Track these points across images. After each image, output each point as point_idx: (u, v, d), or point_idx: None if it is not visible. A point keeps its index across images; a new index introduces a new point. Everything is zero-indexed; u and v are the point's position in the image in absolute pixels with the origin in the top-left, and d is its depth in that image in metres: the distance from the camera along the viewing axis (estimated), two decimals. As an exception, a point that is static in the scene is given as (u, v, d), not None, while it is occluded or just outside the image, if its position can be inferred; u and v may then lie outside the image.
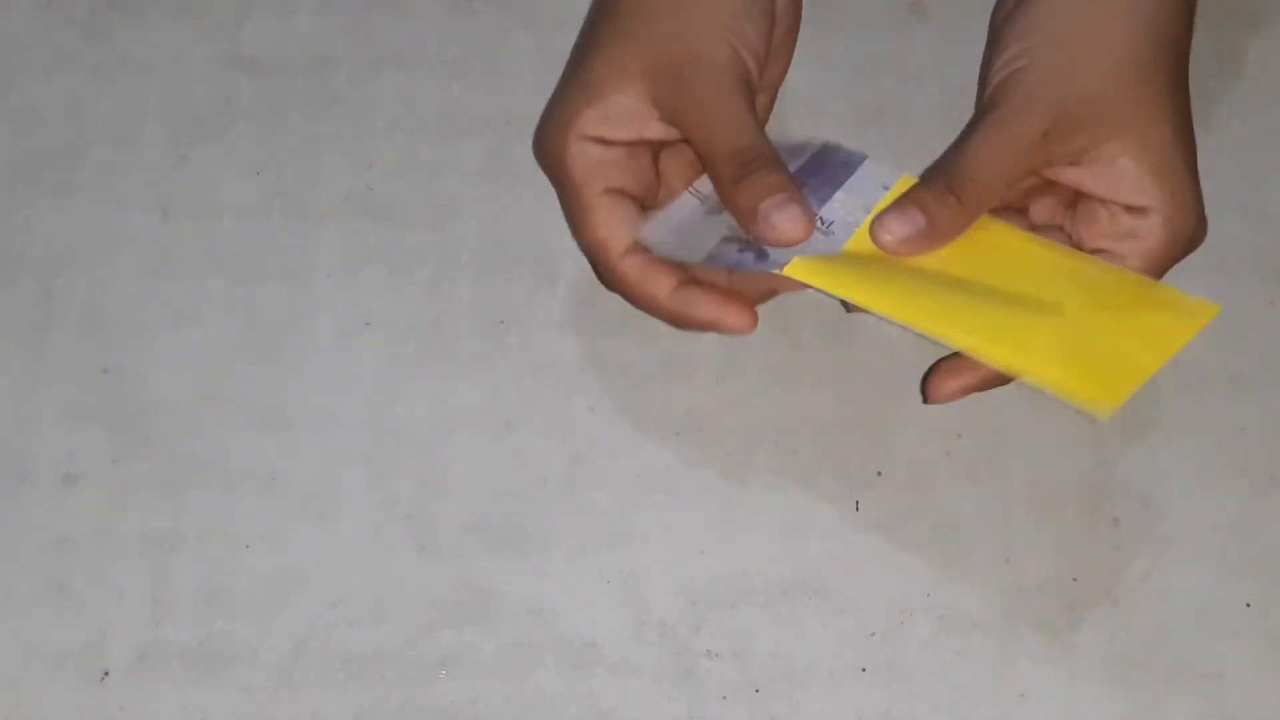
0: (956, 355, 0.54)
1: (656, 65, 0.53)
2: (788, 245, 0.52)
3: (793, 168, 0.54)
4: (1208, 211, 0.58)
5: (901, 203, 0.52)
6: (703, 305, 0.53)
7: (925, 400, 0.55)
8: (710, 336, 0.58)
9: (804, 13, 0.64)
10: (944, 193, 0.52)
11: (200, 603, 0.55)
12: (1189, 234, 0.54)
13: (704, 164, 0.53)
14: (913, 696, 0.54)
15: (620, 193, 0.54)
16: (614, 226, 0.54)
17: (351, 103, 0.62)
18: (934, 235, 0.52)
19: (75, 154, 0.61)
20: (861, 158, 0.55)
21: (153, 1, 0.64)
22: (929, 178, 0.53)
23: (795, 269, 0.51)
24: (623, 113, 0.54)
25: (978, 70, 0.60)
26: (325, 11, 0.64)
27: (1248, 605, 0.56)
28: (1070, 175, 0.54)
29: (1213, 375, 0.59)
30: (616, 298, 0.56)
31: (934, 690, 0.54)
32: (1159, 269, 0.54)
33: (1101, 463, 0.57)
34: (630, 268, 0.54)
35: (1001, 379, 0.54)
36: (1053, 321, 0.51)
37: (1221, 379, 0.58)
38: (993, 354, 0.51)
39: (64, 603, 0.55)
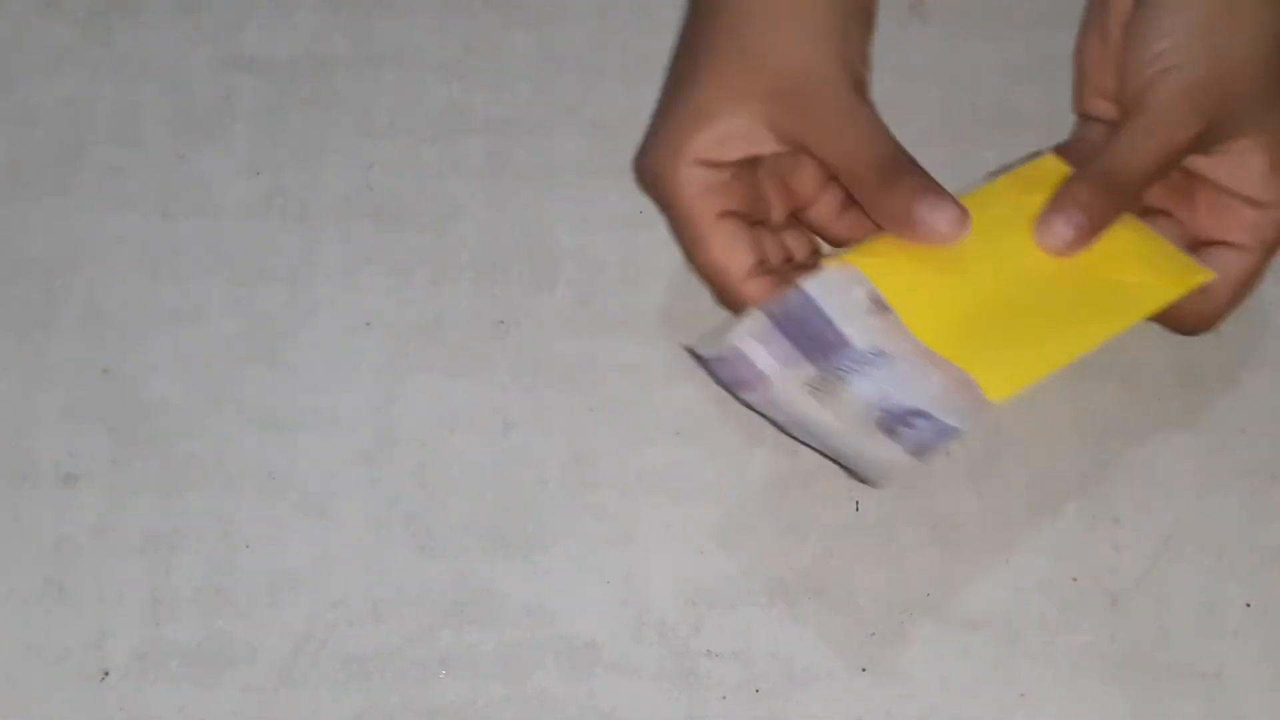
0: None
1: (776, 87, 0.53)
2: (945, 242, 0.52)
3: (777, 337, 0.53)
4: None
5: (1062, 203, 0.53)
6: None
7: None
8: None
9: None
10: (1103, 192, 0.53)
11: (200, 602, 0.55)
12: None
13: (842, 178, 0.54)
14: (912, 696, 0.54)
15: (734, 215, 0.54)
16: (733, 251, 0.54)
17: (351, 103, 0.62)
18: (1093, 234, 0.53)
19: (75, 154, 0.61)
20: (804, 295, 0.52)
21: (153, 1, 0.64)
22: (1085, 176, 0.53)
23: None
24: (736, 135, 0.53)
25: (978, 70, 0.60)
26: (325, 11, 0.64)
27: (1248, 605, 0.56)
28: (1200, 165, 0.55)
29: (1212, 375, 0.59)
30: (616, 298, 0.56)
31: (934, 690, 0.54)
32: (1271, 259, 0.55)
33: (1101, 463, 0.57)
34: (755, 290, 0.54)
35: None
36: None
37: (1221, 379, 0.58)
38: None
39: (64, 602, 0.55)
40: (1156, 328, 0.58)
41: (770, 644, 0.55)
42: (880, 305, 0.52)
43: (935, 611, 0.55)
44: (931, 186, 0.52)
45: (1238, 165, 0.54)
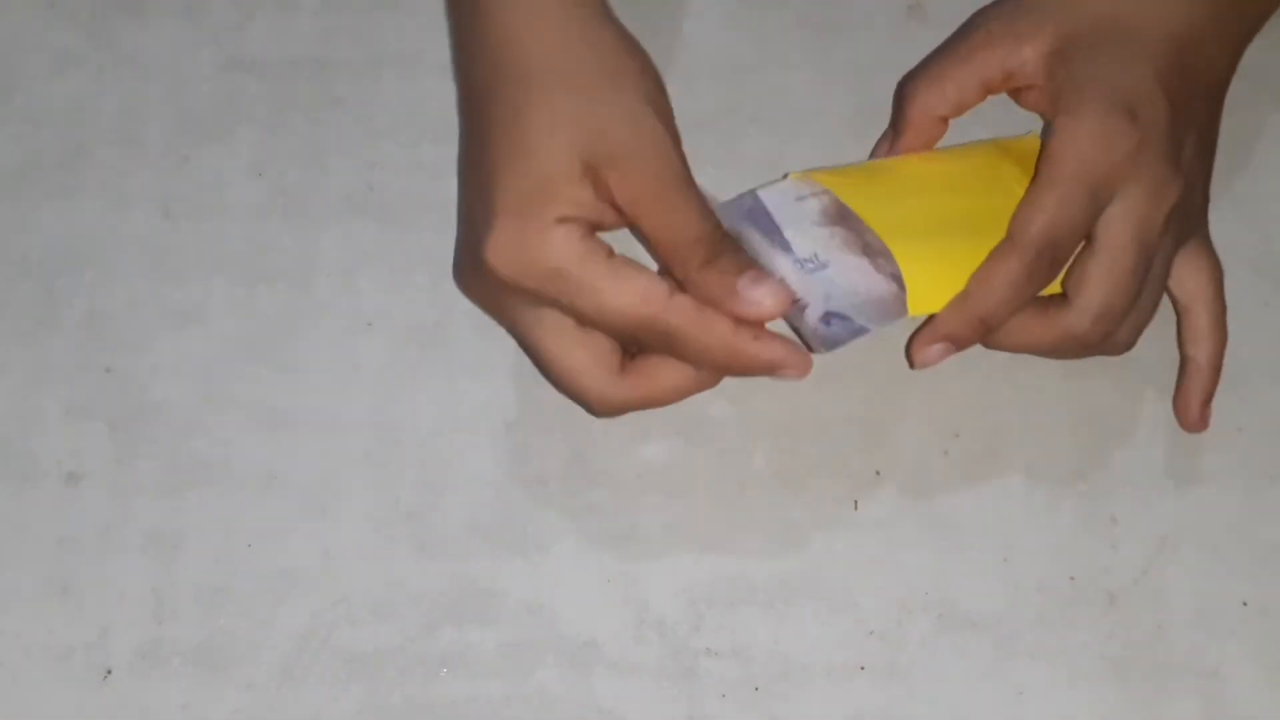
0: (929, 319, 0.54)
1: (596, 156, 0.51)
2: (768, 318, 0.52)
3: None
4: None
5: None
6: (766, 344, 0.52)
7: (912, 366, 0.54)
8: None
9: (804, 13, 0.64)
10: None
11: (202, 601, 0.55)
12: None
13: (660, 252, 0.52)
14: (911, 695, 0.54)
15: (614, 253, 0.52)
16: (642, 276, 0.51)
17: (353, 104, 0.62)
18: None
19: (78, 155, 0.61)
20: (753, 195, 0.55)
21: (155, 3, 0.64)
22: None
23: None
24: (584, 203, 0.51)
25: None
26: (327, 13, 0.64)
27: (1245, 604, 0.56)
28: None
29: (1210, 375, 0.59)
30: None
31: (932, 688, 0.54)
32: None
33: (1099, 462, 0.57)
34: (686, 305, 0.51)
35: (976, 333, 0.54)
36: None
37: (1219, 378, 0.59)
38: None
39: (66, 601, 0.55)
40: (1153, 328, 0.58)
41: (769, 642, 0.55)
42: (836, 216, 0.54)
43: (934, 610, 0.55)
44: (751, 264, 0.52)
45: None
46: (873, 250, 0.54)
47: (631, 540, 0.56)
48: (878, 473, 0.57)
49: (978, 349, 0.58)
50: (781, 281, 0.52)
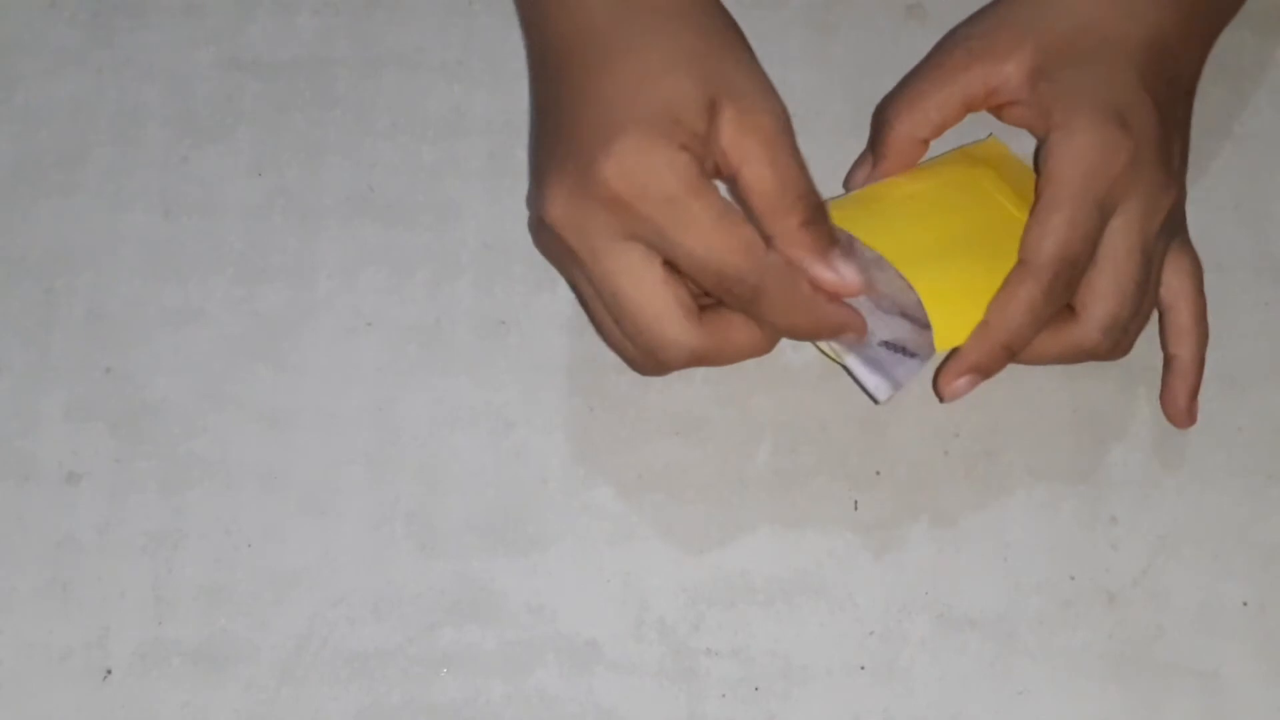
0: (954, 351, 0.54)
1: (719, 92, 0.51)
2: (846, 294, 0.53)
3: None
4: (1207, 213, 0.60)
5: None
6: (839, 307, 0.53)
7: (941, 400, 0.55)
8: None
9: (804, 13, 0.64)
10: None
11: (202, 601, 0.55)
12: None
13: (760, 201, 0.51)
14: (911, 694, 0.54)
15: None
16: (750, 228, 0.51)
17: (353, 104, 0.62)
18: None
19: (78, 154, 0.61)
20: None
21: (155, 3, 0.64)
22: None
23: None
24: (701, 139, 0.51)
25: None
26: (327, 13, 0.64)
27: (1245, 604, 0.56)
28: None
29: (1211, 375, 0.58)
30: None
31: (932, 688, 0.54)
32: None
33: (1099, 461, 0.58)
34: (779, 265, 0.51)
35: (997, 362, 0.54)
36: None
37: (1219, 379, 0.59)
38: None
39: (66, 601, 0.55)
40: (1152, 329, 0.58)
41: (769, 642, 0.55)
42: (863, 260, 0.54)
43: (933, 610, 0.55)
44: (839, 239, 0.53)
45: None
46: (894, 291, 0.54)
47: (631, 540, 0.56)
48: (877, 472, 0.57)
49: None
50: (859, 267, 0.53)
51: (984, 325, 0.54)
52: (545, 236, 0.53)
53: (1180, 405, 0.57)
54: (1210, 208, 0.61)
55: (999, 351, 0.54)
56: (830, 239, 0.52)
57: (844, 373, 0.58)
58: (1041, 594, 0.56)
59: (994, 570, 0.56)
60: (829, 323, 0.53)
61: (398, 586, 0.55)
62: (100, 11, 0.64)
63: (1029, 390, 0.58)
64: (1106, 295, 0.54)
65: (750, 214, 0.52)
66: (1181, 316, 0.57)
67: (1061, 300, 0.54)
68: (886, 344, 0.54)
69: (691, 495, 0.57)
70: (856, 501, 0.57)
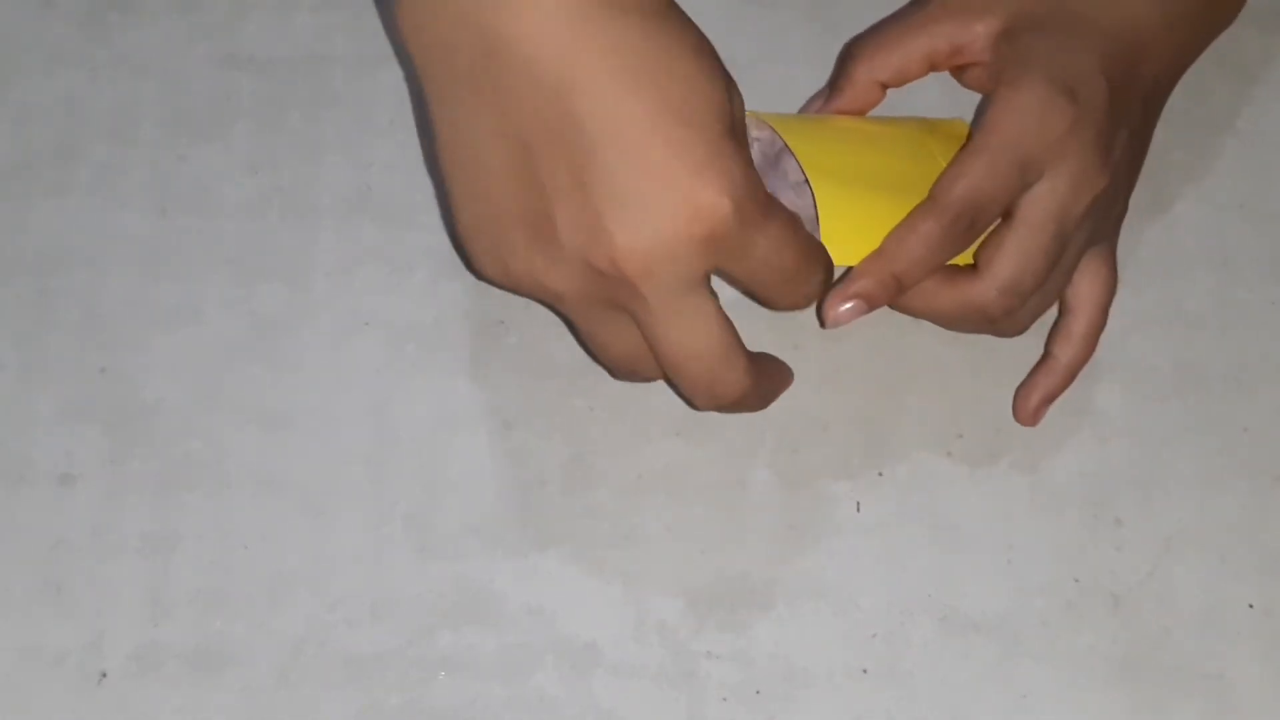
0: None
1: (714, 51, 0.49)
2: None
3: None
4: (1212, 211, 0.60)
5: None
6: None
7: (822, 325, 0.54)
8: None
9: (804, 12, 0.64)
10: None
11: (198, 603, 0.55)
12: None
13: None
14: (913, 698, 0.54)
15: None
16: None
17: (350, 101, 0.62)
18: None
19: (73, 152, 0.61)
20: None
21: (151, 0, 0.64)
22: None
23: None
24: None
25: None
26: (324, 10, 0.64)
27: (1250, 606, 0.55)
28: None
29: (1216, 375, 0.58)
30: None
31: (935, 691, 0.54)
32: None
33: (1104, 463, 0.57)
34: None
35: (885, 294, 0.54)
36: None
37: (1224, 379, 0.58)
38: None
39: (61, 603, 0.55)
40: (1158, 329, 0.58)
41: (770, 645, 0.55)
42: (772, 160, 0.55)
43: (936, 612, 0.55)
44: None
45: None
46: (804, 199, 0.55)
47: (632, 542, 0.56)
48: (880, 474, 0.57)
49: (977, 347, 0.58)
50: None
51: (878, 252, 0.53)
52: (535, 291, 0.50)
53: (1031, 403, 0.57)
54: (1216, 206, 0.61)
55: (888, 280, 0.53)
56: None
57: (845, 372, 0.58)
58: (1045, 596, 0.55)
59: (997, 572, 0.56)
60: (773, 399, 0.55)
61: (396, 588, 0.55)
62: (95, 9, 0.64)
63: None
64: (1012, 256, 0.54)
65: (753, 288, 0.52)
66: (1077, 323, 0.57)
67: (960, 244, 0.54)
68: None
69: (692, 496, 0.56)
70: (859, 503, 0.57)
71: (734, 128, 0.48)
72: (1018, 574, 0.56)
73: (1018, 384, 0.58)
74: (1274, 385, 0.58)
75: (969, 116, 0.59)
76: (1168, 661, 0.55)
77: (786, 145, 0.54)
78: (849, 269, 0.53)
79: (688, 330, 0.49)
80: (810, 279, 0.51)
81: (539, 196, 0.47)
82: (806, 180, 0.54)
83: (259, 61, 0.63)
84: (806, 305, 0.53)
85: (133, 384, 0.58)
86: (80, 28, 0.63)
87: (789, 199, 0.55)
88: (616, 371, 0.53)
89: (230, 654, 0.54)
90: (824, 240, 0.52)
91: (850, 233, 0.53)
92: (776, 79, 0.63)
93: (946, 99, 0.59)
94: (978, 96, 0.59)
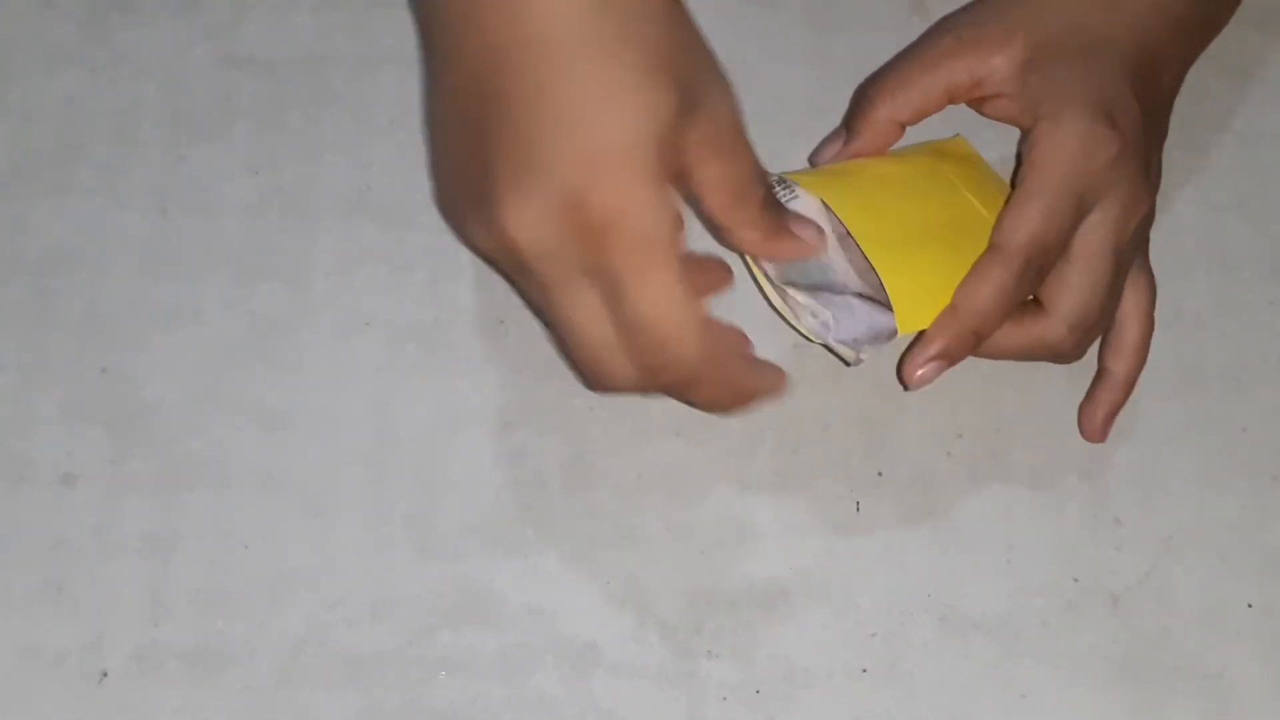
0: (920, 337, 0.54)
1: (693, 95, 0.47)
2: (813, 252, 0.53)
3: None
4: (1211, 211, 0.60)
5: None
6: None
7: (905, 388, 0.54)
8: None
9: (804, 12, 0.64)
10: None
11: (199, 603, 0.55)
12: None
13: (726, 196, 0.49)
14: (913, 697, 0.54)
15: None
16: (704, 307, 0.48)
17: (351, 102, 0.62)
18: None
19: (73, 153, 0.61)
20: None
21: (151, 0, 0.64)
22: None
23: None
24: (676, 128, 0.47)
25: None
26: (324, 10, 0.64)
27: (1249, 606, 0.55)
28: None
29: (1215, 375, 0.58)
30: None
31: (935, 691, 0.54)
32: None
33: (1103, 463, 0.57)
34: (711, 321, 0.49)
35: (964, 348, 0.54)
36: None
37: (1223, 379, 0.58)
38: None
39: (62, 603, 0.55)
40: (1158, 329, 0.58)
41: (770, 645, 0.55)
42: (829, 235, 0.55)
43: (936, 612, 0.55)
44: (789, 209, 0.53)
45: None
46: (851, 249, 0.55)
47: (631, 541, 0.56)
48: (880, 474, 0.57)
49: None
50: (812, 220, 0.53)
51: (951, 309, 0.53)
52: (498, 251, 0.48)
53: (1097, 420, 0.57)
54: (1215, 206, 0.61)
55: (966, 336, 0.53)
56: (785, 213, 0.52)
57: (845, 373, 0.58)
58: (1045, 596, 0.55)
59: (997, 572, 0.56)
60: (749, 397, 0.52)
61: (396, 588, 0.55)
62: (96, 9, 0.63)
63: (1032, 391, 0.58)
64: (1077, 291, 0.54)
65: (705, 208, 0.50)
66: (1129, 334, 0.57)
67: (1030, 289, 0.54)
68: (858, 297, 0.54)
69: (691, 496, 0.56)
70: (858, 503, 0.57)
71: (659, 151, 0.46)
72: (1017, 574, 0.56)
73: (1018, 384, 0.58)
74: (1273, 385, 0.58)
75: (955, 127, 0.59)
76: (1167, 661, 0.55)
77: (826, 205, 0.54)
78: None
79: (656, 292, 0.47)
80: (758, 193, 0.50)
81: (489, 150, 0.47)
82: (849, 234, 0.54)
83: (259, 62, 0.63)
84: (756, 228, 0.51)
85: (133, 384, 0.58)
86: (81, 28, 0.63)
87: (835, 254, 0.54)
88: (586, 367, 0.50)
89: (230, 654, 0.54)
90: (896, 312, 0.53)
91: (920, 296, 0.53)
92: (776, 80, 0.63)
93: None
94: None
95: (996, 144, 0.59)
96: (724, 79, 0.49)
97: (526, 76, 0.46)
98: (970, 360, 0.57)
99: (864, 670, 0.54)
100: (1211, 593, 0.56)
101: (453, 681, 0.54)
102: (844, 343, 0.53)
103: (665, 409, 0.57)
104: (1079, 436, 0.57)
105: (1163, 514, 0.57)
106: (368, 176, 0.61)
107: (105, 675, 0.54)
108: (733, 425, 0.57)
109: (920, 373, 0.54)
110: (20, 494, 0.56)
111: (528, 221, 0.46)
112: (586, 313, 0.48)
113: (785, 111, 0.61)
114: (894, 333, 0.53)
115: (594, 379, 0.50)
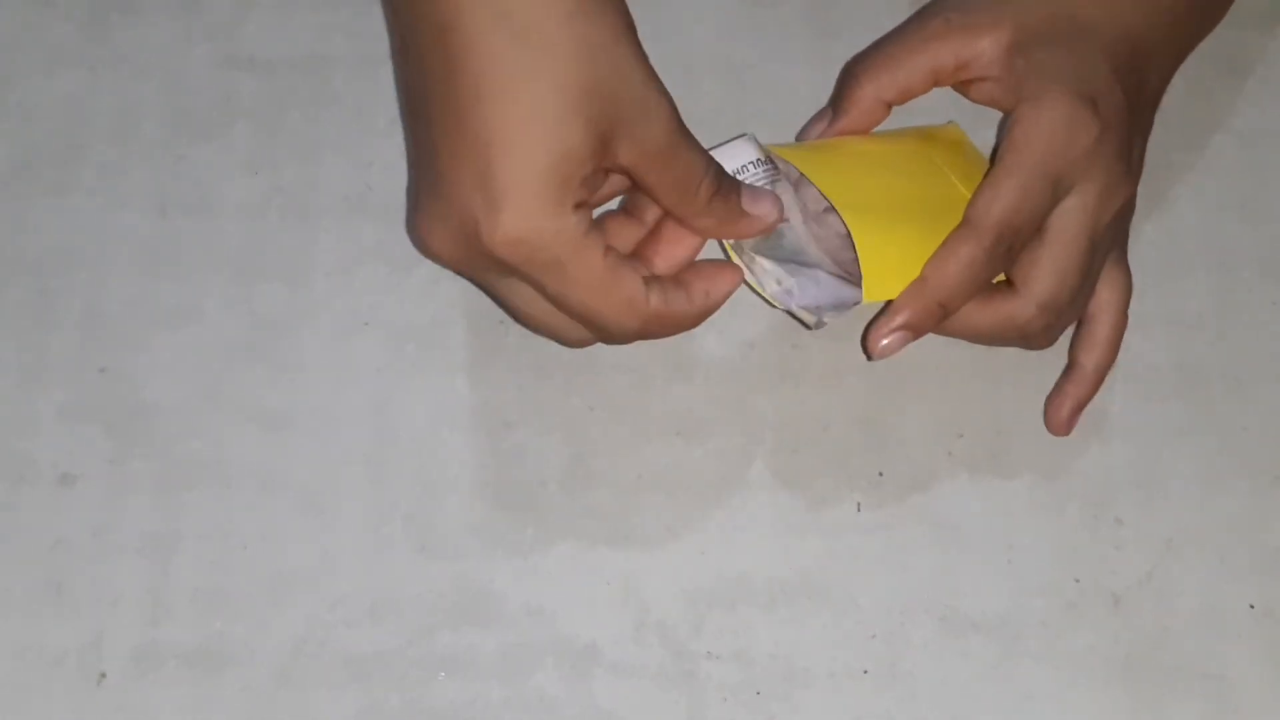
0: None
1: (611, 124, 0.48)
2: (772, 228, 0.53)
3: None
4: (1211, 211, 0.60)
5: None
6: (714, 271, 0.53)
7: (869, 358, 0.54)
8: (711, 336, 0.58)
9: (804, 12, 0.64)
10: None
11: (198, 603, 0.55)
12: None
13: (668, 201, 0.51)
14: (914, 698, 0.54)
15: (609, 248, 0.50)
16: (631, 284, 0.51)
17: (351, 102, 0.62)
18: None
19: (73, 152, 0.61)
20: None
21: (152, 0, 0.64)
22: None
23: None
24: (593, 184, 0.49)
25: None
26: (324, 10, 0.64)
27: (1250, 606, 0.55)
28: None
29: (1215, 375, 0.58)
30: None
31: (935, 692, 0.54)
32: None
33: (1103, 463, 0.57)
34: (659, 313, 0.52)
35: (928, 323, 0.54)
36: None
37: (1223, 379, 0.58)
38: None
39: (61, 603, 0.55)
40: (1158, 329, 0.58)
41: (771, 645, 0.55)
42: (792, 189, 0.55)
43: (936, 612, 0.55)
44: (740, 188, 0.53)
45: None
46: (826, 228, 0.55)
47: (631, 542, 0.56)
48: (880, 474, 0.57)
49: (977, 348, 0.58)
50: (772, 193, 0.53)
51: (920, 281, 0.53)
52: (428, 255, 0.51)
53: (1064, 414, 0.57)
54: (1215, 206, 0.61)
55: (932, 308, 0.53)
56: (736, 191, 0.52)
57: (845, 372, 0.58)
58: (1045, 596, 0.55)
59: (997, 572, 0.56)
60: (709, 313, 0.54)
61: (396, 588, 0.55)
62: (96, 8, 0.63)
63: (1033, 391, 0.58)
64: (1050, 272, 0.54)
65: (661, 207, 0.52)
66: (1101, 329, 0.57)
67: (1001, 267, 0.54)
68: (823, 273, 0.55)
69: (692, 496, 0.56)
70: (859, 503, 0.57)
71: (566, 184, 0.48)
72: (1018, 574, 0.56)
73: (1018, 384, 0.58)
74: (1273, 385, 0.58)
75: (950, 115, 0.59)
76: (1168, 661, 0.55)
77: (805, 176, 0.54)
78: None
79: (581, 294, 0.50)
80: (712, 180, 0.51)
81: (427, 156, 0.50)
82: (828, 209, 0.54)
83: (259, 62, 0.63)
84: (708, 217, 0.52)
85: (133, 384, 0.58)
86: (81, 28, 0.63)
87: (811, 229, 0.55)
88: (547, 337, 0.54)
89: (230, 654, 0.54)
90: (864, 276, 0.52)
91: (890, 266, 0.53)
92: (776, 79, 0.63)
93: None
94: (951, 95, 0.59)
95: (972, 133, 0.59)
96: (656, 97, 0.49)
97: (446, 102, 0.48)
98: (971, 360, 0.58)
99: (864, 670, 0.54)
100: (1212, 593, 0.55)
101: (453, 681, 0.54)
102: (806, 308, 0.54)
103: (665, 409, 0.57)
104: (1079, 437, 0.57)
105: (1163, 514, 0.57)
106: (368, 176, 0.61)
107: (105, 675, 0.54)
108: (733, 426, 0.57)
109: (884, 343, 0.53)
110: (20, 494, 0.56)
111: (439, 240, 0.50)
112: (523, 300, 0.51)
113: (785, 111, 0.61)
114: (858, 301, 0.53)
115: (560, 343, 0.54)
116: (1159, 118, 0.60)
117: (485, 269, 0.50)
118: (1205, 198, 0.61)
